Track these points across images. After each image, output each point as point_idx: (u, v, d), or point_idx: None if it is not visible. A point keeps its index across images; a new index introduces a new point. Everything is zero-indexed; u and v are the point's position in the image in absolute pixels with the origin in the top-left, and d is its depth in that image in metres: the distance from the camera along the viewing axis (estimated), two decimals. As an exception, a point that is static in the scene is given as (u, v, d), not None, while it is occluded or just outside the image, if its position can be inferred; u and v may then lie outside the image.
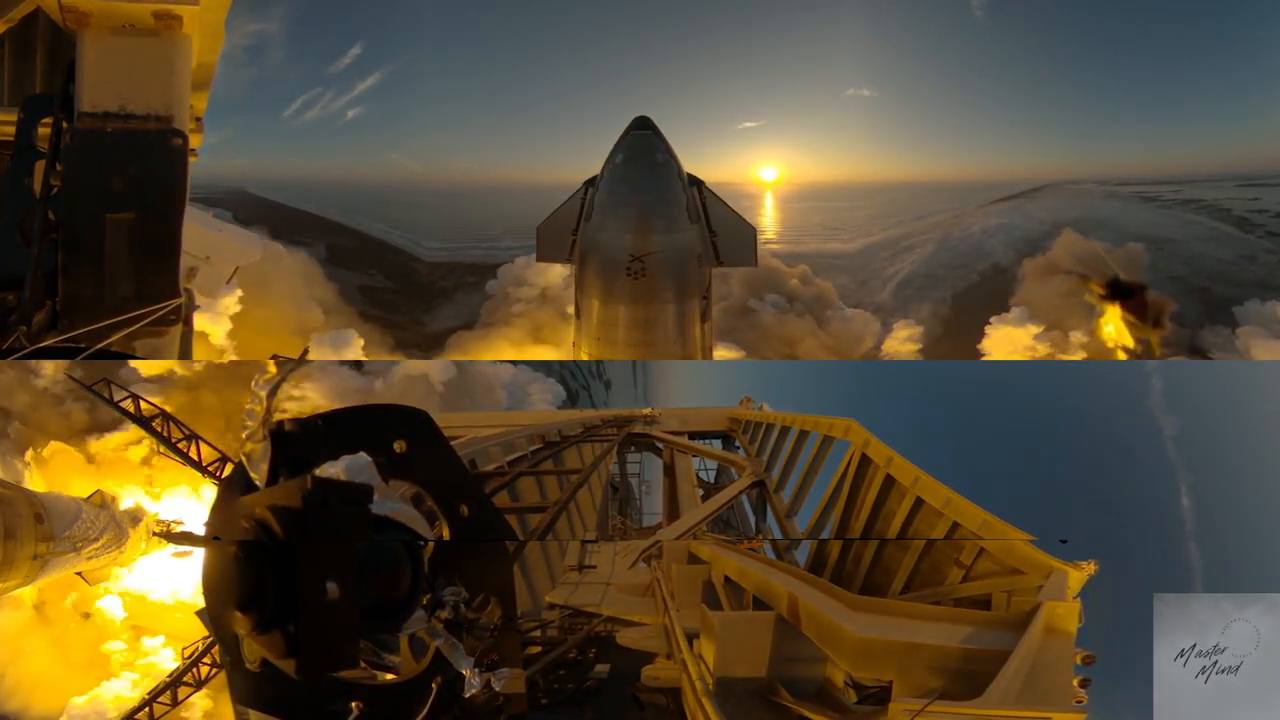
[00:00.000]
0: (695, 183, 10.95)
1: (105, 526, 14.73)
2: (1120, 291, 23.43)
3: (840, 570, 11.90)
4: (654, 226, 10.70)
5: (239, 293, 21.33)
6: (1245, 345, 24.24)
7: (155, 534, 15.89)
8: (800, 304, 28.59)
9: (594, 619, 10.34)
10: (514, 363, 31.44)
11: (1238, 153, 37.32)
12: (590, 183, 11.13)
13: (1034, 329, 24.89)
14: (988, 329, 25.57)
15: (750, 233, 11.47)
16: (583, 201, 11.23)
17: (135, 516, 16.26)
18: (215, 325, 21.43)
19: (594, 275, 11.08)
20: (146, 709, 15.39)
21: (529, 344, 27.18)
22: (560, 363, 36.68)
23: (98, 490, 16.03)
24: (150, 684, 16.72)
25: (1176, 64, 39.04)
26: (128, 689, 17.91)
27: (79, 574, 15.58)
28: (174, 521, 16.67)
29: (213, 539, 2.22)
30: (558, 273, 27.59)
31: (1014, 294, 27.02)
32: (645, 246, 10.66)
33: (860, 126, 38.87)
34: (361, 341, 25.29)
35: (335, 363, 24.38)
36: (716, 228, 11.18)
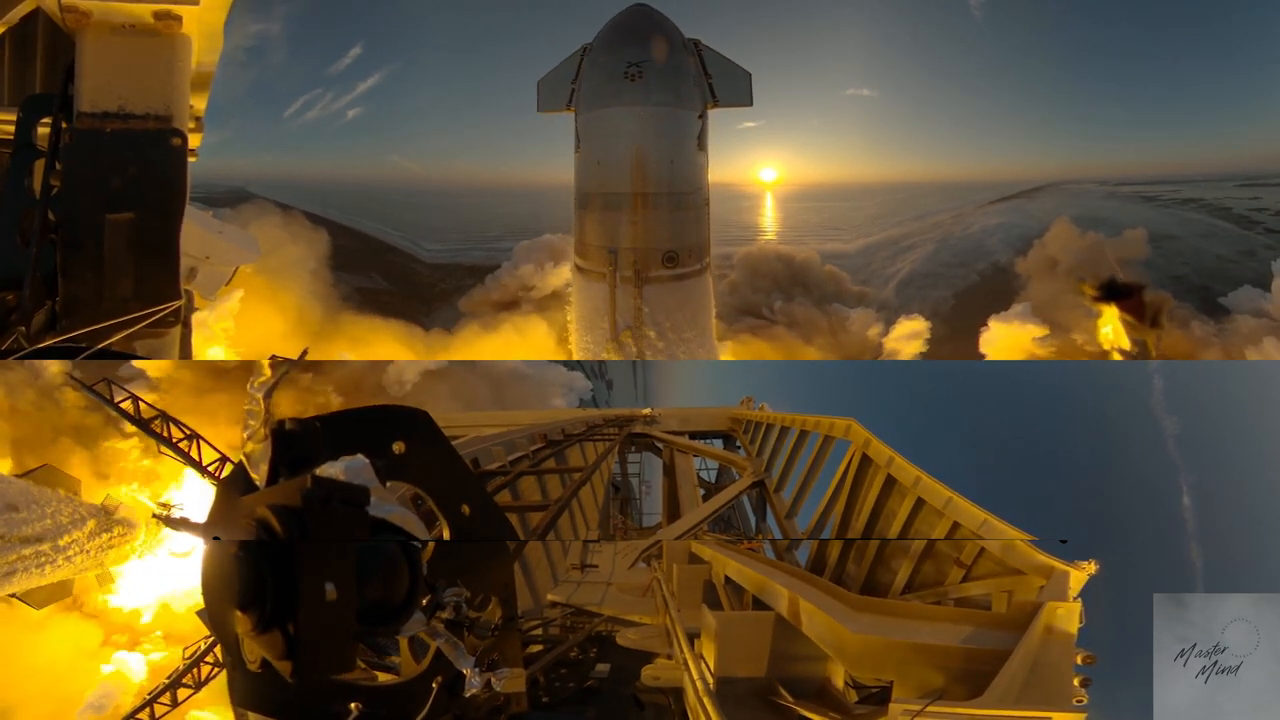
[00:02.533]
0: (693, 41, 12.15)
1: (64, 525, 10.34)
2: (1117, 292, 23.38)
3: (841, 570, 11.89)
4: (651, 42, 11.77)
5: (238, 295, 21.21)
6: (1239, 337, 24.04)
7: (154, 517, 13.52)
8: (806, 299, 28.60)
9: (595, 618, 10.34)
10: (514, 362, 31.40)
11: (1237, 152, 37.34)
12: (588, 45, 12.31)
13: (1035, 328, 24.85)
14: (988, 328, 25.55)
15: (745, 76, 12.38)
16: (581, 56, 12.23)
17: (108, 509, 12.26)
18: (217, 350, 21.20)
19: (593, 86, 11.99)
20: (148, 709, 15.35)
21: (533, 342, 27.13)
22: (563, 362, 36.68)
23: (45, 465, 11.95)
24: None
25: (1176, 64, 39.10)
26: (142, 665, 17.20)
27: (16, 597, 10.98)
28: (173, 505, 13.88)
29: (212, 536, 2.22)
30: (561, 276, 27.58)
31: (1015, 293, 27.00)
32: (643, 55, 11.66)
33: (860, 126, 38.96)
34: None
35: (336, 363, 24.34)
36: (712, 72, 12.14)
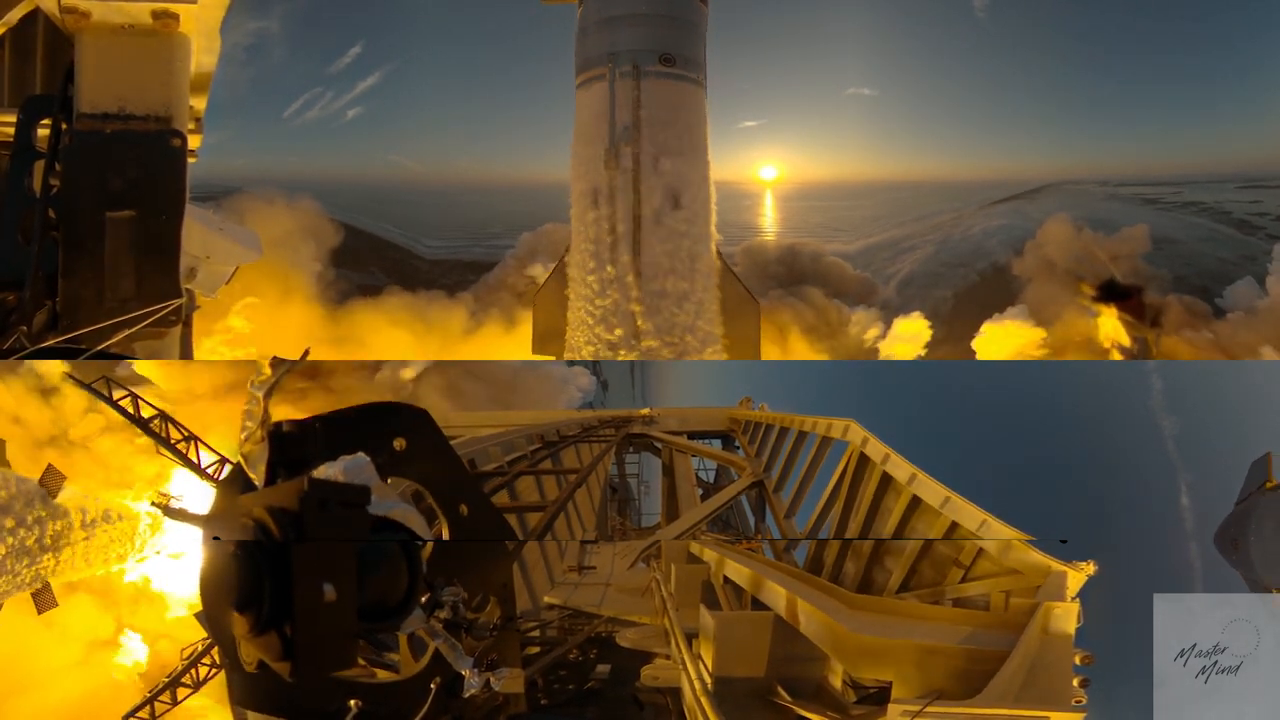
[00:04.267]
0: None
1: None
2: (1116, 293, 23.41)
3: (839, 570, 11.89)
4: None
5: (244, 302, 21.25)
6: (1236, 340, 23.93)
7: (153, 505, 13.12)
8: (812, 288, 28.63)
9: (594, 619, 10.34)
10: (513, 362, 31.40)
11: (1238, 154, 37.38)
12: None
13: (1035, 328, 24.81)
14: (986, 328, 25.51)
15: None
16: None
17: (47, 489, 8.49)
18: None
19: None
20: (148, 708, 15.36)
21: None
22: (565, 362, 36.66)
23: None
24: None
25: (1177, 65, 39.14)
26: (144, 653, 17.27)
27: None
28: (171, 496, 12.81)
29: (211, 535, 2.22)
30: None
31: (1015, 294, 26.99)
32: None
33: (860, 126, 39.02)
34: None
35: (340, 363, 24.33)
36: None
